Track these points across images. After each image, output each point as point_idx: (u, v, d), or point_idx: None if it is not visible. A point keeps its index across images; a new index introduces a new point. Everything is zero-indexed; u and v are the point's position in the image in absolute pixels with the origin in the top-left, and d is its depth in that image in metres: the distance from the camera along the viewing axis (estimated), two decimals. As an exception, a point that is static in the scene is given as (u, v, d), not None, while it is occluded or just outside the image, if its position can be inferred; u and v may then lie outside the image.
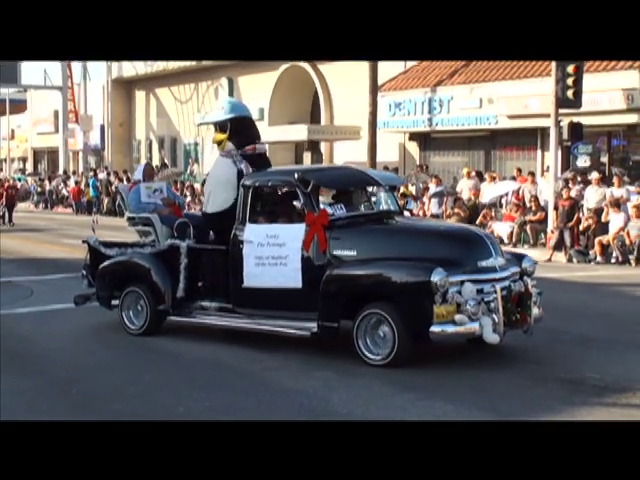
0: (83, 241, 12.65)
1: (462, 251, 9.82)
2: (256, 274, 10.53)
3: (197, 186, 33.06)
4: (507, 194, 24.75)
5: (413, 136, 31.34)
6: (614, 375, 9.28)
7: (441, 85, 29.13)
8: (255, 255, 10.53)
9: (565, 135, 22.22)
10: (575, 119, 22.23)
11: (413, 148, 31.73)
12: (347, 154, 32.61)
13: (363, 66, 28.60)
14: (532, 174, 24.61)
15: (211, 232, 11.67)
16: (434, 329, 9.25)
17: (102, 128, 50.63)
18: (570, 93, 21.54)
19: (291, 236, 10.36)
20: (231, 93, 40.58)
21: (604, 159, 25.81)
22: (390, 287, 9.60)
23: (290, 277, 10.27)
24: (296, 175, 10.47)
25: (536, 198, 22.90)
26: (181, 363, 10.12)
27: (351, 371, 9.50)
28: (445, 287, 9.24)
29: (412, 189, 27.06)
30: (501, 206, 24.82)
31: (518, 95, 25.92)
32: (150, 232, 12.09)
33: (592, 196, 21.69)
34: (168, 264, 11.42)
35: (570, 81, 21.47)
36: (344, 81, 34.40)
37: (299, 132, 34.02)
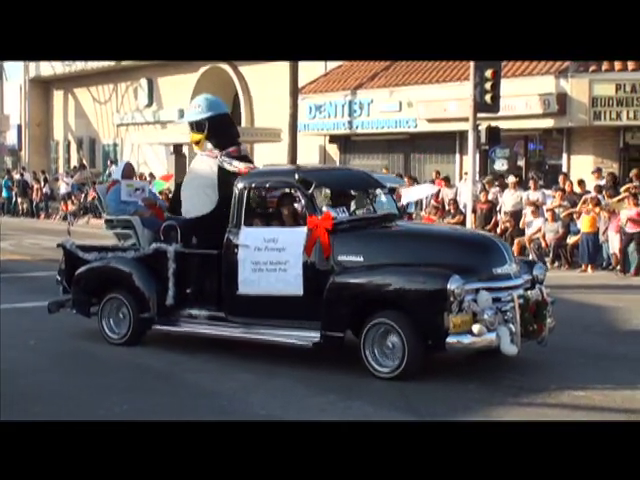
0: (58, 245, 12.02)
1: (476, 257, 9.46)
2: (253, 280, 9.97)
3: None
4: (427, 197, 24.94)
5: (333, 139, 31.37)
6: (530, 376, 9.42)
7: (361, 88, 29.21)
8: (252, 260, 9.96)
9: (483, 139, 22.39)
10: (493, 123, 22.46)
11: (333, 151, 31.78)
12: (267, 156, 32.43)
13: (284, 68, 28.53)
14: (447, 179, 24.84)
15: (194, 236, 10.99)
16: (450, 340, 8.85)
17: (19, 128, 49.65)
18: (488, 97, 21.76)
19: (291, 240, 9.83)
20: (150, 94, 40.24)
21: (521, 163, 26.14)
22: (402, 295, 9.14)
23: (290, 284, 9.73)
24: (297, 176, 10.03)
25: (455, 201, 23.15)
26: (101, 366, 10.00)
27: (269, 373, 9.49)
28: (461, 295, 8.82)
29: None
30: (421, 209, 25.00)
31: (437, 99, 26.12)
32: (130, 235, 11.53)
33: (509, 199, 22.03)
34: (152, 269, 10.84)
35: (488, 86, 21.70)
36: (265, 83, 34.34)
37: (220, 134, 33.79)
